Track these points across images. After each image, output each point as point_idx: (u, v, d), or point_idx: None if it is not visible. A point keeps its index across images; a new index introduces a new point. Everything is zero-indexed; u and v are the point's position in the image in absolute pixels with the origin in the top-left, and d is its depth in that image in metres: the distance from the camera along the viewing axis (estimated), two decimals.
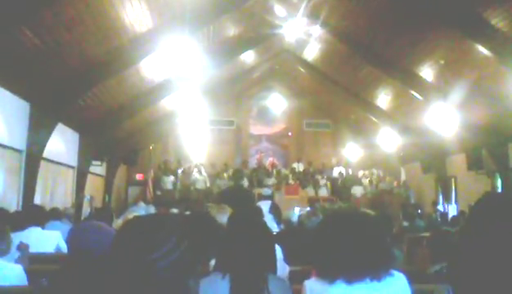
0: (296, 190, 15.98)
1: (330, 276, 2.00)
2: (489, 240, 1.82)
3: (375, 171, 18.71)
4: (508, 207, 2.04)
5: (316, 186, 17.16)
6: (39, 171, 9.46)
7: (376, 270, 1.99)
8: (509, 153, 11.73)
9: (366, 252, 2.00)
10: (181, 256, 1.31)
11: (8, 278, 3.22)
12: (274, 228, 6.65)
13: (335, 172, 18.61)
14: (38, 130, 9.22)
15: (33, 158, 9.19)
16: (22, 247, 4.10)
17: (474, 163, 12.69)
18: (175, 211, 9.61)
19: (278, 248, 3.53)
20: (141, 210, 7.81)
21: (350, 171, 18.85)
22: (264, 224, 2.77)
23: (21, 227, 4.83)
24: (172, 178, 17.12)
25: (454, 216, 11.51)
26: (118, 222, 3.71)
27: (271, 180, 16.82)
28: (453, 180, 14.83)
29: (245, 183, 16.80)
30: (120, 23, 8.63)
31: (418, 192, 16.95)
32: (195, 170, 17.71)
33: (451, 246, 3.39)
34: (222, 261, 2.44)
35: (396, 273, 2.05)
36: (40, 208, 5.61)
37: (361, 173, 18.65)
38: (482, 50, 8.99)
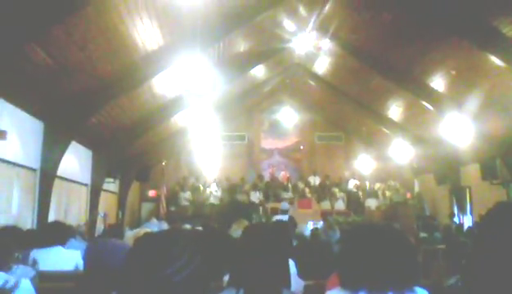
0: (309, 204, 15.91)
1: (352, 287, 1.98)
2: (501, 251, 1.80)
3: (392, 182, 18.57)
4: None
5: (333, 199, 17.09)
6: (53, 189, 9.53)
7: (400, 285, 1.97)
8: None
9: (391, 266, 1.98)
10: (195, 271, 1.31)
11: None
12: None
13: (351, 185, 18.54)
14: (52, 148, 9.31)
15: (47, 177, 9.27)
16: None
17: (489, 173, 12.55)
18: (188, 226, 9.63)
19: (292, 263, 3.51)
20: (154, 226, 7.84)
21: (367, 184, 18.75)
22: (280, 239, 2.75)
23: (44, 245, 4.86)
24: (188, 194, 17.19)
25: (469, 226, 11.39)
26: (128, 235, 3.71)
27: (288, 194, 16.80)
28: (467, 190, 14.67)
29: (260, 197, 16.85)
30: (131, 41, 8.73)
31: (432, 203, 16.80)
32: (214, 185, 17.79)
33: (466, 258, 3.35)
34: (236, 276, 2.43)
35: (419, 289, 2.03)
36: (62, 225, 5.61)
37: (377, 185, 18.53)
38: (494, 59, 8.94)
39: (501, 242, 1.88)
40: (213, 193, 17.46)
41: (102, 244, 2.60)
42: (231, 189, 17.25)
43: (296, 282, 3.37)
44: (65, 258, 4.95)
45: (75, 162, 11.21)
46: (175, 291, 1.27)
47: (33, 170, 9.06)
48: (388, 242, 2.07)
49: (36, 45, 7.04)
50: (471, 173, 14.05)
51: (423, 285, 2.12)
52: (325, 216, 14.58)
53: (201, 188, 17.83)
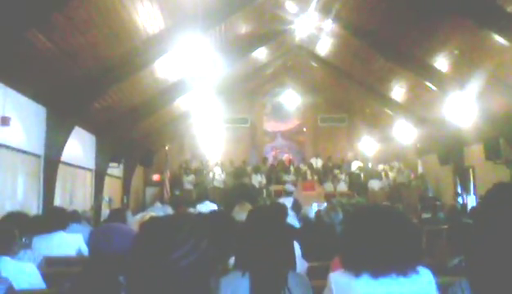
0: (313, 186, 15.95)
1: (355, 269, 1.99)
2: (501, 231, 1.80)
3: (395, 163, 18.57)
4: None
5: (335, 181, 17.10)
6: (58, 174, 9.57)
7: (403, 266, 1.97)
8: None
9: (393, 247, 1.99)
10: (202, 255, 1.32)
11: (22, 277, 3.29)
12: (296, 224, 6.66)
13: (354, 167, 18.54)
14: (56, 134, 9.33)
15: (51, 162, 9.31)
16: None
17: (492, 153, 12.51)
18: (192, 210, 9.67)
19: (296, 245, 3.53)
20: (159, 210, 7.88)
21: (370, 165, 18.74)
22: (284, 220, 2.77)
23: (45, 231, 4.91)
24: (192, 177, 17.23)
25: (473, 207, 11.39)
26: (134, 219, 3.73)
27: (290, 177, 16.81)
28: (471, 170, 14.66)
29: (263, 180, 16.87)
30: (132, 24, 8.68)
31: (436, 184, 16.80)
32: (217, 168, 17.84)
33: (469, 238, 3.35)
34: (242, 259, 2.45)
35: (422, 269, 2.04)
36: (62, 211, 5.67)
37: (380, 167, 18.54)
38: (497, 38, 8.86)
39: (500, 223, 1.88)
40: (217, 176, 17.50)
41: (106, 229, 2.61)
42: (237, 172, 17.27)
43: (300, 264, 3.40)
44: (67, 243, 5.01)
45: (79, 147, 11.24)
46: (182, 276, 1.28)
47: (38, 156, 9.09)
48: (390, 224, 2.08)
49: (37, 30, 7.01)
50: (475, 153, 14.01)
51: (426, 265, 2.14)
52: (328, 198, 14.62)
53: (204, 171, 17.87)
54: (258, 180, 16.72)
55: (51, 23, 7.06)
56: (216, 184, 17.09)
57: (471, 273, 1.85)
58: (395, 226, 2.06)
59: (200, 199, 11.01)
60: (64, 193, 10.46)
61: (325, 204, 11.12)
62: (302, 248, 3.89)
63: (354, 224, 2.19)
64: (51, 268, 4.19)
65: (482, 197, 2.14)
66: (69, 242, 5.03)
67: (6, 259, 3.46)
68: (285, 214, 4.82)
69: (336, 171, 17.71)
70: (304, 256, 3.89)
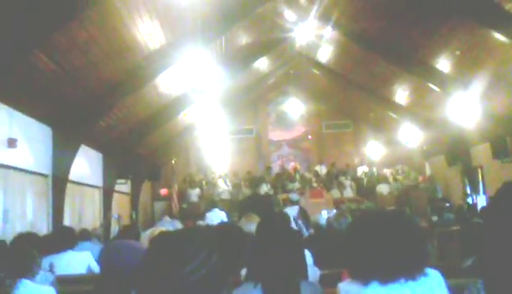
0: (321, 193, 15.89)
1: (363, 278, 1.98)
2: (510, 230, 1.79)
3: (400, 167, 18.52)
4: None
5: (341, 187, 17.04)
6: (66, 193, 9.60)
7: (411, 270, 1.96)
8: None
9: (399, 252, 1.98)
10: (213, 268, 1.32)
11: None
12: (305, 233, 6.64)
13: (359, 172, 18.48)
14: (62, 153, 9.38)
15: (59, 182, 9.35)
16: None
17: (500, 151, 12.45)
18: (201, 223, 9.67)
19: (308, 253, 3.52)
20: (167, 224, 7.88)
21: (375, 170, 18.69)
22: (292, 229, 2.76)
23: (54, 250, 4.92)
24: (197, 191, 17.23)
25: (483, 206, 11.33)
26: (144, 235, 3.74)
27: (295, 185, 16.77)
28: (479, 170, 14.59)
29: (268, 189, 16.84)
30: (134, 41, 8.74)
31: (444, 185, 16.71)
32: (220, 180, 17.84)
33: (481, 238, 3.33)
34: (253, 270, 2.44)
35: (431, 271, 2.02)
36: (70, 230, 5.70)
37: (387, 171, 18.48)
38: (497, 36, 8.86)
39: (510, 221, 1.87)
40: (222, 188, 17.48)
41: (117, 245, 2.62)
42: (252, 182, 17.25)
43: (313, 273, 3.38)
44: (77, 260, 5.02)
45: (86, 165, 11.28)
46: (193, 290, 1.28)
47: (45, 176, 9.14)
48: (393, 229, 2.06)
49: (39, 51, 7.08)
50: (482, 152, 13.95)
51: (439, 267, 2.13)
52: (337, 204, 14.57)
53: (209, 184, 17.87)
54: (264, 190, 16.69)
55: (53, 44, 7.13)
56: (223, 196, 17.06)
57: (484, 273, 1.84)
58: (398, 230, 2.05)
59: (208, 208, 11.09)
60: (73, 212, 10.48)
61: (334, 211, 11.10)
62: (313, 256, 3.87)
63: (357, 232, 2.18)
64: (63, 287, 4.19)
65: (492, 196, 2.14)
66: (79, 260, 5.04)
67: (27, 282, 3.43)
68: (288, 223, 4.80)
69: (341, 178, 17.64)
70: (316, 263, 3.86)
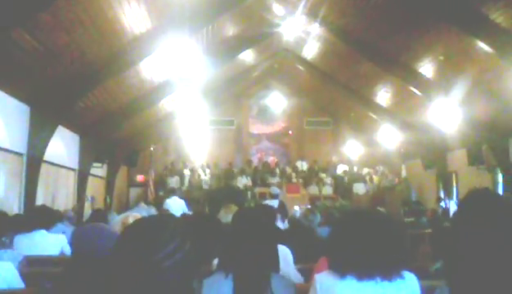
0: (297, 189, 15.97)
1: (341, 271, 2.00)
2: (475, 236, 1.82)
3: (379, 168, 18.70)
4: (491, 202, 2.05)
5: (320, 184, 17.14)
6: (40, 174, 9.46)
7: (387, 270, 1.99)
8: (510, 149, 11.71)
9: (378, 251, 2.00)
10: (185, 256, 1.31)
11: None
12: (281, 227, 6.67)
13: (339, 170, 18.61)
14: (39, 133, 9.23)
15: (33, 161, 9.20)
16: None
17: (475, 159, 12.67)
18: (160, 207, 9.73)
19: (287, 250, 3.51)
20: (143, 211, 7.83)
21: (355, 169, 18.84)
22: (268, 222, 2.76)
23: (27, 229, 4.84)
24: (176, 179, 17.17)
25: (454, 211, 11.51)
26: (117, 220, 3.70)
27: (275, 179, 16.82)
28: (454, 175, 14.81)
29: (248, 182, 16.87)
30: (119, 24, 8.63)
31: (419, 188, 16.93)
32: (200, 170, 17.82)
33: (449, 242, 3.38)
34: (225, 261, 2.44)
35: (408, 274, 2.05)
36: (48, 210, 5.59)
37: (365, 171, 18.64)
38: (481, 45, 8.97)
39: (474, 228, 1.90)
40: (202, 178, 17.48)
41: (89, 229, 2.59)
42: (225, 174, 17.27)
43: (295, 275, 3.38)
44: (50, 242, 4.94)
45: (62, 146, 11.13)
46: (165, 277, 1.27)
47: (20, 154, 8.98)
48: (377, 228, 2.09)
49: (22, 29, 6.94)
50: (458, 158, 14.17)
51: (409, 269, 2.15)
52: (313, 200, 14.68)
53: (193, 172, 17.83)
54: (243, 182, 16.72)
55: (37, 22, 6.99)
56: (203, 186, 17.05)
57: (450, 277, 1.86)
58: (381, 230, 2.08)
59: (168, 195, 11.11)
60: (46, 193, 10.34)
61: (309, 207, 11.16)
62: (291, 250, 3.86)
63: (342, 226, 2.20)
64: (33, 268, 4.13)
65: (459, 202, 2.17)
66: (52, 242, 4.97)
67: None
68: (274, 216, 4.81)
69: (322, 175, 17.76)
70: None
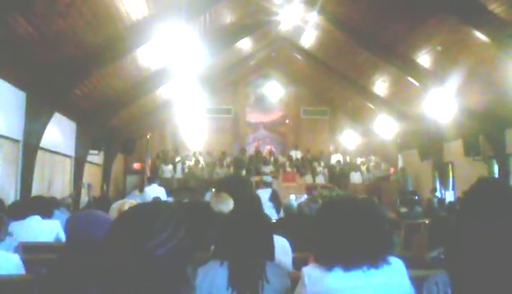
0: (294, 178, 15.99)
1: (327, 263, 2.01)
2: (483, 226, 1.83)
3: (372, 157, 18.77)
4: (500, 191, 2.05)
5: (314, 173, 17.16)
6: (37, 160, 9.44)
7: (374, 258, 1.99)
8: (506, 139, 11.75)
9: (363, 240, 2.01)
10: (179, 243, 1.31)
11: (5, 267, 3.22)
12: (273, 215, 6.68)
13: (333, 159, 18.63)
14: (35, 119, 9.19)
15: (30, 148, 9.17)
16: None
17: (471, 149, 12.71)
18: (139, 195, 9.71)
19: (285, 241, 3.51)
20: (137, 198, 7.84)
21: (348, 159, 18.87)
22: (262, 212, 2.77)
23: (21, 216, 4.83)
24: (170, 167, 17.16)
25: (450, 201, 11.57)
26: (113, 207, 3.70)
27: (269, 168, 16.82)
28: (450, 165, 14.86)
29: (243, 171, 16.86)
30: (116, 10, 8.57)
31: (415, 178, 16.98)
32: (193, 159, 17.81)
33: (448, 232, 3.40)
34: (221, 249, 2.45)
35: (393, 259, 2.05)
36: (44, 200, 5.57)
37: (359, 160, 18.68)
38: (479, 35, 8.96)
39: (483, 217, 1.91)
40: (199, 166, 17.47)
41: (84, 216, 2.58)
42: (236, 162, 17.24)
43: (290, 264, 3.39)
44: (45, 229, 4.93)
45: (59, 133, 11.10)
46: (159, 264, 1.27)
47: (16, 141, 8.96)
48: (359, 216, 2.09)
49: (18, 15, 6.88)
50: (454, 149, 14.20)
51: (404, 257, 2.16)
52: (309, 190, 14.68)
53: (182, 161, 17.80)
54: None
55: (33, 7, 6.93)
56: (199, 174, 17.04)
57: (450, 265, 1.87)
58: (364, 218, 2.08)
59: (149, 182, 11.07)
60: (42, 180, 10.33)
61: (305, 196, 11.19)
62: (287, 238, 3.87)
63: (324, 217, 2.20)
64: (28, 254, 4.13)
65: (466, 191, 2.17)
66: (47, 229, 4.96)
67: None
68: (259, 206, 4.81)
69: (315, 164, 17.77)
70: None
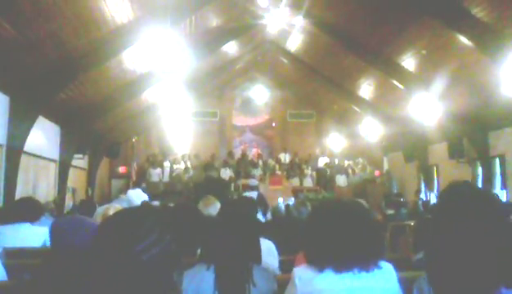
0: (280, 181, 16.01)
1: (319, 264, 2.01)
2: (455, 228, 1.85)
3: (360, 160, 18.85)
4: (472, 194, 2.08)
5: (302, 176, 17.22)
6: (20, 165, 9.33)
7: (365, 261, 2.00)
8: (490, 142, 11.89)
9: (355, 243, 2.01)
10: (165, 248, 1.30)
11: None
12: (260, 219, 6.66)
13: (321, 163, 18.70)
14: (19, 123, 9.08)
15: (13, 152, 9.06)
16: None
17: (456, 152, 12.84)
18: (156, 203, 9.60)
19: (271, 243, 3.51)
20: (124, 202, 7.77)
21: (336, 161, 18.94)
22: (250, 215, 2.76)
23: (10, 221, 4.76)
24: (158, 170, 17.08)
25: (434, 203, 11.66)
26: (98, 212, 3.66)
27: (258, 171, 16.84)
28: (435, 168, 14.99)
29: (232, 174, 16.86)
30: (100, 14, 8.51)
31: (401, 181, 17.10)
32: (181, 163, 17.74)
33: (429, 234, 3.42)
34: (207, 252, 2.44)
35: (384, 263, 2.06)
36: (34, 203, 5.48)
37: (346, 163, 18.77)
38: (463, 39, 9.06)
39: (453, 219, 1.93)
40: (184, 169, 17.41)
41: (68, 221, 2.56)
42: (205, 166, 17.22)
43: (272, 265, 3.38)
44: (33, 234, 4.86)
45: (43, 137, 10.98)
46: (145, 269, 1.26)
47: None
48: (352, 219, 2.10)
49: (1, 18, 6.80)
50: (439, 151, 14.34)
51: (391, 259, 2.17)
52: (296, 192, 14.72)
53: (170, 165, 17.74)
54: (226, 174, 16.71)
55: (16, 10, 6.86)
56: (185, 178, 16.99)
57: (429, 267, 1.89)
58: (357, 221, 2.09)
59: (132, 187, 10.96)
60: (26, 184, 10.20)
61: (292, 199, 11.20)
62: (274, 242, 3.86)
63: (316, 219, 2.21)
64: (14, 260, 4.07)
65: (439, 194, 2.21)
66: (36, 235, 4.89)
67: None
68: (255, 209, 4.81)
69: (303, 167, 17.84)
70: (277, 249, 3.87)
